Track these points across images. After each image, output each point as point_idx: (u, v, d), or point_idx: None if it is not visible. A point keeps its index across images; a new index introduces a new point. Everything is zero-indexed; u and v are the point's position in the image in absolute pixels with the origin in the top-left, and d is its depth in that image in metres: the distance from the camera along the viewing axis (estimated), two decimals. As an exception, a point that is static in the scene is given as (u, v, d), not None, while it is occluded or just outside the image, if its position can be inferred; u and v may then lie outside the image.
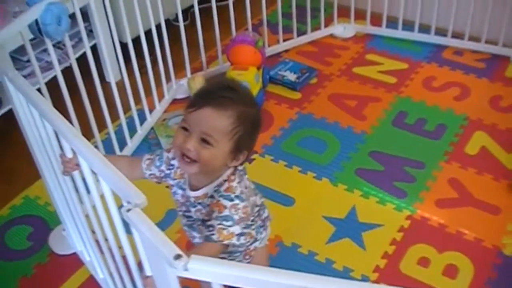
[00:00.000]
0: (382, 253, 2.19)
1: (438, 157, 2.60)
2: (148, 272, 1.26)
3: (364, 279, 2.09)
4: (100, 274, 2.05)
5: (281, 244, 2.23)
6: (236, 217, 1.41)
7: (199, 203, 1.50)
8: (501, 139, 2.68)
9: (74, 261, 2.21)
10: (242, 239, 1.43)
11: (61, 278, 2.16)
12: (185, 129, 1.38)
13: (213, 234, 1.38)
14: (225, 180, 1.46)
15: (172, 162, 1.55)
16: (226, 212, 1.41)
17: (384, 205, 2.38)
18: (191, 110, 1.37)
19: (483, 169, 2.53)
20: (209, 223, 1.41)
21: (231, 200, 1.43)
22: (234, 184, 1.46)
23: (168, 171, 1.56)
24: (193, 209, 1.53)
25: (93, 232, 1.76)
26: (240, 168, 1.50)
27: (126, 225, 1.35)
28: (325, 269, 2.12)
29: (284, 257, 2.18)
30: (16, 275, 2.19)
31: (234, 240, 1.40)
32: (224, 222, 1.40)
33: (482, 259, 2.16)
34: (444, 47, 3.31)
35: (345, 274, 2.10)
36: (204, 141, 1.36)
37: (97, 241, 1.78)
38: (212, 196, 1.46)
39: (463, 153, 2.62)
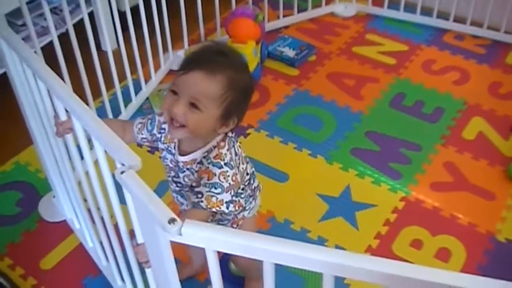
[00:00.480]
0: (375, 233, 2.17)
1: (435, 140, 2.58)
2: (139, 240, 1.23)
3: (356, 258, 2.07)
4: (90, 243, 2.03)
5: (274, 220, 2.21)
6: (225, 184, 1.39)
7: (188, 169, 1.48)
8: (499, 125, 2.66)
9: (64, 229, 2.18)
10: (231, 207, 1.40)
11: (49, 246, 2.13)
12: (174, 92, 1.35)
13: (201, 201, 1.36)
14: (214, 147, 1.43)
15: (164, 126, 1.52)
16: (215, 179, 1.38)
17: (378, 186, 2.36)
18: (180, 73, 1.34)
19: (480, 154, 2.51)
20: (197, 189, 1.39)
21: (220, 167, 1.40)
22: (224, 151, 1.43)
23: (159, 135, 1.53)
24: (181, 175, 1.50)
25: (85, 200, 1.74)
26: (230, 134, 1.48)
27: (119, 194, 1.33)
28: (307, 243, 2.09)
29: (276, 233, 2.13)
30: (4, 241, 2.16)
31: (223, 208, 1.38)
32: (213, 190, 1.37)
33: (475, 244, 2.15)
34: (445, 31, 3.28)
35: (337, 252, 2.08)
36: (192, 105, 1.33)
37: (88, 210, 1.75)
38: (201, 162, 1.44)
39: (460, 138, 2.60)
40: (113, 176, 1.13)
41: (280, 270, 1.00)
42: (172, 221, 0.94)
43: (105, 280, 1.97)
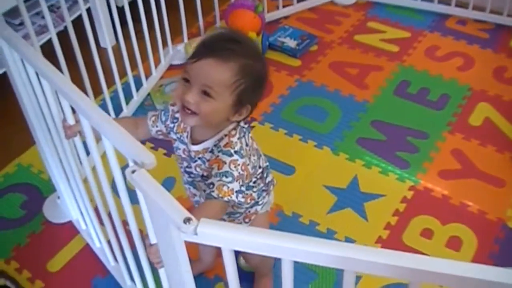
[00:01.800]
0: (385, 224, 2.15)
1: (441, 128, 2.55)
2: (152, 240, 1.20)
3: (367, 250, 2.04)
4: (97, 243, 2.00)
5: (282, 213, 2.18)
6: (235, 173, 1.36)
7: (199, 158, 1.45)
8: (505, 110, 2.63)
9: (69, 230, 2.15)
10: (241, 197, 1.37)
11: (55, 247, 2.11)
12: (186, 80, 1.33)
13: (213, 191, 1.33)
14: (225, 135, 1.41)
15: (177, 115, 1.50)
16: (225, 168, 1.36)
17: (386, 175, 2.33)
18: (192, 61, 1.32)
19: (487, 140, 2.49)
20: (209, 181, 1.36)
21: (230, 155, 1.38)
22: (234, 139, 1.40)
23: (172, 125, 1.51)
24: (193, 164, 1.48)
25: (91, 200, 1.70)
26: (243, 124, 1.45)
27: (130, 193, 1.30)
28: (327, 239, 2.06)
29: (285, 226, 2.13)
30: (9, 245, 2.13)
31: (233, 197, 1.35)
32: (224, 178, 1.35)
33: (485, 231, 2.12)
34: (448, 16, 3.24)
35: (347, 244, 2.05)
36: (205, 93, 1.31)
37: (95, 209, 1.72)
38: (212, 151, 1.41)
39: (467, 124, 2.57)
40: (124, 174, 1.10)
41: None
42: (187, 220, 0.91)
43: (114, 281, 1.95)
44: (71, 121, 1.43)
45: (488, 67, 2.89)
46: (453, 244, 2.08)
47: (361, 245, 0.88)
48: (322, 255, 0.88)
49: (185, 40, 2.97)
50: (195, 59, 1.31)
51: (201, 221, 0.91)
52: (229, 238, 0.91)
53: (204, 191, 1.38)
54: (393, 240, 2.09)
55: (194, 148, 1.44)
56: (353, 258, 0.86)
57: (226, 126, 1.41)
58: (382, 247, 2.05)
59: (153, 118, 1.54)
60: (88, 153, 1.48)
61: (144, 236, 1.28)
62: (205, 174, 1.43)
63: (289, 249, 0.89)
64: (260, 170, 1.57)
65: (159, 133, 1.55)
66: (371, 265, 0.86)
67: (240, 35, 1.40)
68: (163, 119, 1.53)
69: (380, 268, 0.86)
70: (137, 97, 2.67)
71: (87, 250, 2.08)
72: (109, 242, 1.81)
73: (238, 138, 1.41)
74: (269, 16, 3.20)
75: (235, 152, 1.38)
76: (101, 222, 1.76)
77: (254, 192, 1.55)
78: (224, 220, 1.62)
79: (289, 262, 0.93)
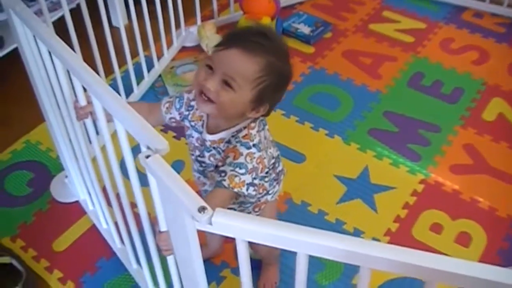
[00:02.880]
0: (394, 216, 2.13)
1: (454, 122, 2.52)
2: (162, 227, 1.18)
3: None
4: (104, 224, 1.98)
5: (291, 201, 2.16)
6: (249, 166, 1.34)
7: (214, 148, 1.43)
8: (520, 106, 2.60)
9: (76, 210, 2.14)
10: (251, 190, 1.35)
11: (61, 227, 2.09)
12: (209, 67, 1.30)
13: (224, 180, 1.31)
14: (244, 127, 1.39)
15: (192, 103, 1.47)
16: (241, 159, 1.34)
17: (397, 167, 2.31)
18: (219, 49, 1.29)
19: (500, 136, 2.46)
20: (222, 168, 1.34)
21: (249, 148, 1.35)
22: (254, 132, 1.38)
23: (186, 112, 1.48)
24: (207, 154, 1.46)
25: (99, 180, 1.69)
26: (261, 117, 1.42)
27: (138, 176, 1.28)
28: (335, 229, 2.00)
29: (293, 215, 2.11)
30: (15, 222, 2.12)
31: (243, 189, 1.33)
32: (238, 169, 1.33)
33: (495, 228, 2.10)
34: (464, 9, 3.20)
35: (356, 236, 2.01)
36: (226, 83, 1.28)
37: (103, 189, 1.70)
38: (229, 141, 1.39)
39: (480, 119, 2.54)
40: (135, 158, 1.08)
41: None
42: (202, 209, 0.89)
43: (119, 262, 1.94)
44: (82, 101, 1.40)
45: (503, 62, 2.86)
46: (462, 239, 2.06)
47: (378, 242, 0.86)
48: (338, 250, 0.86)
49: (198, 22, 2.94)
50: (222, 47, 1.29)
51: (216, 210, 0.89)
52: (243, 229, 0.89)
53: (216, 179, 1.36)
54: (402, 233, 2.07)
55: (210, 137, 1.42)
56: (371, 255, 0.84)
57: (242, 121, 1.39)
58: (390, 240, 2.04)
59: (167, 105, 1.51)
60: (98, 132, 1.46)
61: (152, 219, 1.26)
62: (219, 164, 1.41)
63: (305, 242, 0.87)
64: (272, 161, 1.54)
65: (172, 120, 1.52)
66: (387, 262, 0.84)
67: (271, 32, 1.36)
68: (177, 106, 1.49)
69: (396, 266, 0.84)
70: (148, 78, 2.65)
71: (94, 231, 2.06)
72: (116, 224, 1.79)
73: (257, 131, 1.39)
74: (284, 1, 3.16)
75: (254, 145, 1.36)
76: (109, 203, 1.74)
77: (266, 182, 1.53)
78: (234, 209, 1.60)
79: (304, 256, 0.91)
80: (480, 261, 1.95)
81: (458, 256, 1.93)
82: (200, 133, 1.45)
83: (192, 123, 1.47)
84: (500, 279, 0.80)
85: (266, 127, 1.46)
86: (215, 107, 1.31)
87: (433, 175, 2.28)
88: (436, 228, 2.09)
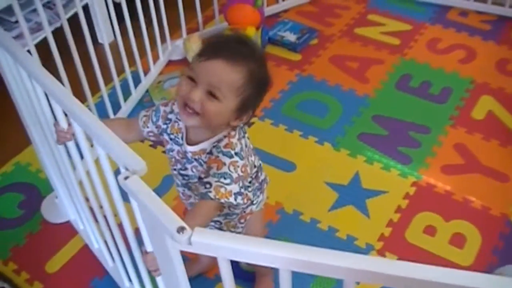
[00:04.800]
0: (387, 221, 2.12)
1: (444, 122, 2.52)
2: (148, 248, 1.17)
3: (369, 247, 2.02)
4: (95, 244, 1.97)
5: (283, 211, 2.16)
6: (234, 175, 1.33)
7: (196, 159, 1.42)
8: (509, 103, 2.60)
9: (68, 230, 2.13)
10: (239, 199, 1.35)
11: (54, 248, 2.08)
12: (191, 79, 1.29)
13: (210, 191, 1.30)
14: (225, 136, 1.38)
15: (169, 116, 1.46)
16: (224, 169, 1.33)
17: (388, 171, 2.30)
18: (201, 60, 1.28)
19: (490, 134, 2.45)
20: (206, 180, 1.33)
21: (231, 156, 1.35)
22: (234, 140, 1.38)
23: (164, 126, 1.47)
24: (189, 166, 1.45)
25: (87, 199, 1.68)
26: (241, 125, 1.42)
27: (123, 193, 1.27)
28: (328, 237, 2.05)
29: (285, 224, 2.10)
30: (8, 244, 2.11)
31: (231, 199, 1.33)
32: (222, 180, 1.32)
33: (489, 227, 2.10)
34: (449, 8, 3.21)
35: (349, 242, 2.03)
36: (211, 94, 1.28)
37: (91, 209, 1.70)
38: (210, 152, 1.38)
39: (470, 118, 2.54)
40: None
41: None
42: (181, 230, 0.88)
43: (112, 281, 1.92)
44: (63, 124, 1.40)
45: (490, 59, 2.86)
46: (457, 241, 2.05)
47: (360, 255, 0.85)
48: (320, 265, 0.85)
49: (184, 35, 2.93)
50: (204, 58, 1.28)
51: (195, 230, 0.88)
52: (224, 248, 0.88)
53: (200, 192, 1.35)
54: (395, 237, 2.06)
55: (191, 149, 1.41)
56: (352, 269, 0.83)
57: (224, 130, 1.38)
58: (384, 245, 2.03)
59: (144, 119, 1.50)
60: (82, 156, 1.46)
61: (137, 235, 1.25)
62: (202, 175, 1.40)
63: (286, 258, 0.86)
64: (255, 170, 1.54)
65: (150, 134, 1.51)
66: (370, 275, 0.83)
67: (247, 38, 1.39)
68: (154, 119, 1.49)
69: (379, 278, 0.84)
70: (136, 94, 2.64)
71: (86, 250, 2.05)
72: (106, 243, 1.78)
73: (238, 139, 1.38)
74: (269, 10, 3.17)
75: (236, 153, 1.36)
76: (97, 222, 1.73)
77: (249, 192, 1.52)
78: (220, 222, 1.59)
79: (286, 272, 0.90)
80: (476, 261, 1.96)
81: (453, 257, 1.96)
82: (180, 145, 1.44)
83: (172, 136, 1.46)
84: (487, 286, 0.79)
85: (246, 135, 1.45)
86: (200, 119, 1.30)
87: (425, 177, 2.28)
88: (430, 230, 2.09)
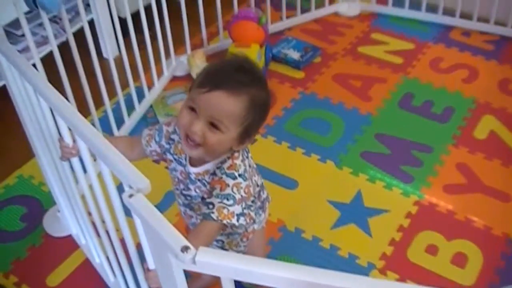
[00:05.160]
0: (389, 239, 2.12)
1: (446, 141, 2.52)
2: (150, 265, 1.17)
3: (371, 266, 2.02)
4: (97, 259, 1.97)
5: (285, 229, 2.16)
6: (237, 196, 1.34)
7: (199, 180, 1.42)
8: (511, 123, 2.60)
9: (70, 244, 2.13)
10: (242, 220, 1.35)
11: (55, 261, 2.08)
12: (192, 109, 1.29)
13: (212, 212, 1.31)
14: (228, 157, 1.38)
15: (172, 136, 1.47)
16: (228, 190, 1.33)
17: (390, 190, 2.30)
18: (202, 91, 1.27)
19: (492, 154, 2.46)
20: (208, 200, 1.34)
21: (234, 178, 1.35)
22: (238, 161, 1.38)
23: (167, 146, 1.47)
24: (192, 186, 1.45)
25: (90, 214, 1.68)
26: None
27: (126, 208, 1.27)
28: (330, 255, 2.05)
29: (287, 242, 2.10)
30: (9, 258, 2.11)
31: (233, 221, 1.33)
32: (225, 201, 1.32)
33: (491, 247, 2.10)
34: (452, 28, 3.22)
35: (351, 261, 2.03)
36: (212, 125, 1.28)
37: (93, 224, 1.70)
38: (214, 173, 1.38)
39: (472, 137, 2.54)
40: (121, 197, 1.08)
41: None
42: (185, 249, 0.88)
43: (113, 296, 1.93)
44: (67, 139, 1.40)
45: (493, 79, 2.87)
46: (459, 260, 2.05)
47: (368, 278, 0.85)
48: (324, 286, 0.85)
49: (188, 51, 2.95)
50: (204, 89, 1.27)
51: (199, 250, 0.88)
52: (228, 268, 0.88)
53: (203, 212, 1.35)
54: (397, 256, 2.06)
55: (195, 170, 1.41)
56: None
57: (228, 153, 1.39)
58: (386, 264, 2.03)
59: (147, 138, 1.51)
60: (85, 170, 1.46)
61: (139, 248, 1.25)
62: (205, 196, 1.40)
63: (290, 279, 0.86)
64: (257, 189, 1.54)
65: (153, 153, 1.52)
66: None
67: (247, 62, 1.37)
68: (157, 139, 1.49)
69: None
70: (140, 109, 2.65)
71: (87, 264, 2.05)
72: (108, 258, 1.78)
73: (242, 160, 1.38)
74: (273, 28, 3.18)
75: (239, 175, 1.36)
76: (99, 236, 1.73)
77: (251, 211, 1.52)
78: (223, 241, 1.59)
79: (290, 292, 0.91)
80: (478, 281, 1.96)
81: (455, 277, 1.96)
82: (184, 166, 1.44)
83: (175, 156, 1.46)
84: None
85: (250, 154, 1.45)
86: (203, 149, 1.30)
87: (427, 196, 2.28)
88: (432, 249, 2.09)
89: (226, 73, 1.31)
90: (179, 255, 0.88)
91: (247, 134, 1.33)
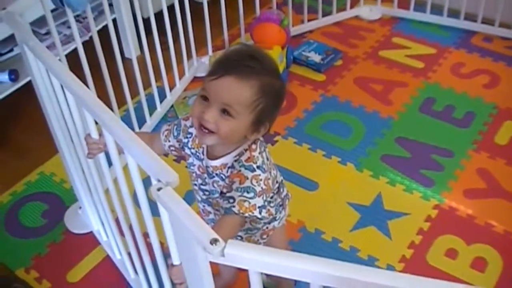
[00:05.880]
0: (409, 242, 2.11)
1: (467, 146, 2.51)
2: (175, 261, 1.18)
3: (390, 269, 2.01)
4: (118, 255, 1.99)
5: (304, 229, 2.16)
6: (257, 188, 1.33)
7: (217, 174, 1.41)
8: (532, 130, 2.59)
9: (90, 241, 2.15)
10: (264, 212, 1.34)
11: (76, 258, 2.10)
12: (204, 98, 1.30)
13: (233, 206, 1.30)
14: (246, 150, 1.38)
15: (190, 130, 1.46)
16: (247, 183, 1.33)
17: (411, 193, 2.30)
18: (211, 79, 1.28)
19: (513, 160, 2.45)
20: (229, 194, 1.33)
21: (253, 170, 1.34)
22: (256, 153, 1.37)
23: (185, 140, 1.47)
24: (210, 181, 1.45)
25: (112, 210, 1.69)
26: (261, 139, 1.42)
27: (151, 206, 1.28)
28: (349, 257, 2.05)
29: (307, 243, 2.11)
30: (29, 253, 2.13)
31: (256, 213, 1.32)
32: (246, 194, 1.31)
33: (511, 252, 2.08)
34: (473, 33, 3.21)
35: (370, 263, 2.03)
36: (224, 112, 1.28)
37: (116, 220, 1.71)
38: (232, 166, 1.38)
39: (493, 143, 2.53)
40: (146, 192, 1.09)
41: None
42: (214, 241, 0.89)
43: (133, 293, 1.94)
44: (94, 134, 1.41)
45: (514, 85, 2.86)
46: (478, 265, 2.04)
47: (395, 272, 0.85)
48: (353, 280, 0.85)
49: (210, 52, 2.96)
50: (214, 76, 1.28)
51: (228, 242, 0.89)
52: (256, 261, 0.89)
53: (222, 207, 1.35)
54: (417, 259, 2.06)
55: (212, 163, 1.41)
56: (389, 286, 0.84)
57: (244, 143, 1.38)
58: (405, 266, 2.02)
59: (166, 133, 1.51)
60: (110, 164, 1.47)
61: (165, 250, 1.26)
62: (224, 190, 1.41)
63: (319, 273, 0.86)
64: (277, 185, 1.54)
65: (171, 148, 1.52)
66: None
67: (258, 51, 1.36)
68: (175, 134, 1.49)
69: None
70: (161, 109, 2.67)
71: (108, 261, 2.07)
72: (129, 254, 1.79)
73: (259, 153, 1.38)
74: (294, 30, 3.19)
75: (258, 167, 1.35)
76: (122, 234, 1.74)
77: (271, 207, 1.52)
78: (241, 237, 1.59)
79: (317, 287, 0.91)
80: (497, 285, 1.95)
81: (474, 281, 1.95)
82: (201, 160, 1.45)
83: (193, 151, 1.46)
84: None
85: (267, 149, 1.45)
86: (217, 137, 1.30)
87: (447, 200, 2.27)
88: (451, 253, 2.08)
89: (237, 59, 1.31)
90: (208, 247, 0.88)
91: (260, 121, 1.32)
